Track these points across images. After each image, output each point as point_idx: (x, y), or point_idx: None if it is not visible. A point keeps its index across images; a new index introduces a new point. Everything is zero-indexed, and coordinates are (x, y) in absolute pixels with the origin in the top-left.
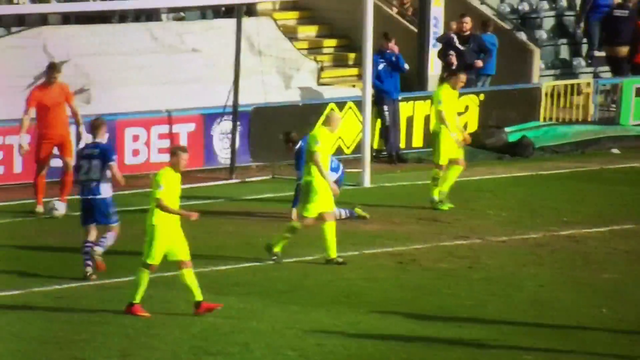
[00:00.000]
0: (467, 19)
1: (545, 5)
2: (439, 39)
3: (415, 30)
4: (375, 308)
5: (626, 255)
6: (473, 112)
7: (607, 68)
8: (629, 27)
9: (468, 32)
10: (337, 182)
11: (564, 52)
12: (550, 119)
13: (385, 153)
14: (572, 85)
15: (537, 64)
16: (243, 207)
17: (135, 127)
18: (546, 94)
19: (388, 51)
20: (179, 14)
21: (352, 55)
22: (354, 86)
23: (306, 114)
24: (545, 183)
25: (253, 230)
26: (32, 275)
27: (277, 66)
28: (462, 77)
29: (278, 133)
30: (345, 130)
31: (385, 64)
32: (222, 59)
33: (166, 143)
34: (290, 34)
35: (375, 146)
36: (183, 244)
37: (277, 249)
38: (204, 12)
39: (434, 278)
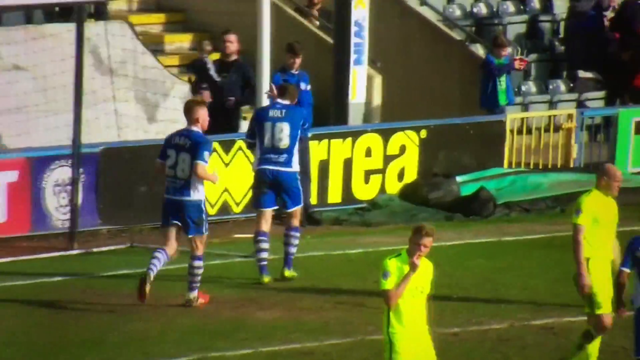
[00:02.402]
0: (232, 37)
1: (511, 7)
2: (190, 65)
3: (331, 40)
4: None
5: (624, 352)
6: (412, 154)
7: (597, 94)
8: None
9: (234, 57)
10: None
11: (537, 72)
12: (519, 164)
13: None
14: (549, 117)
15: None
16: (89, 288)
17: None
18: (512, 131)
19: (294, 71)
20: None
21: None
22: (245, 118)
23: None
24: (512, 253)
25: (102, 323)
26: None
27: (136, 90)
28: (616, 174)
29: (139, 184)
30: (234, 180)
31: None
32: (57, 79)
33: None
34: (155, 45)
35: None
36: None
37: None
38: (29, 14)
39: None
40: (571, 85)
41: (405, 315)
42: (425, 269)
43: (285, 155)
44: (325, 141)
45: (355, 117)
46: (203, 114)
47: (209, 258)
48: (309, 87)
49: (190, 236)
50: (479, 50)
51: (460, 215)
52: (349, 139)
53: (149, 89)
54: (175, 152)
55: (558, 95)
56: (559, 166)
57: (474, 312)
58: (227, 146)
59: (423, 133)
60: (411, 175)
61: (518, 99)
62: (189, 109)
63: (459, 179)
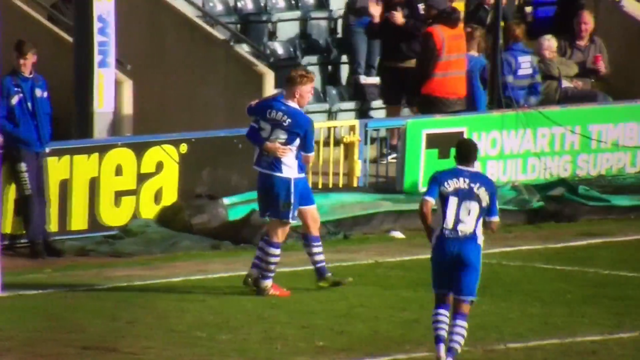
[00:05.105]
0: None
1: (280, 1)
2: None
3: (70, 39)
4: None
5: None
6: (170, 172)
7: (382, 103)
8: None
9: None
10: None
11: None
12: None
13: (25, 240)
14: (328, 129)
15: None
16: None
17: None
18: None
19: (27, 74)
20: None
21: None
22: None
23: None
24: (289, 286)
25: None
26: None
27: None
28: None
29: None
30: None
31: (22, 95)
32: None
33: None
34: None
35: (8, 229)
36: None
37: None
38: None
39: None
40: (352, 92)
41: None
42: None
43: None
44: (67, 157)
45: (101, 129)
46: (307, 92)
47: None
48: (45, 94)
49: (272, 218)
50: (246, 50)
51: (228, 242)
52: (95, 155)
53: None
54: (271, 126)
55: (337, 104)
56: (341, 186)
57: (245, 355)
58: None
59: (183, 148)
60: (170, 197)
61: None
62: (293, 81)
63: (226, 200)
